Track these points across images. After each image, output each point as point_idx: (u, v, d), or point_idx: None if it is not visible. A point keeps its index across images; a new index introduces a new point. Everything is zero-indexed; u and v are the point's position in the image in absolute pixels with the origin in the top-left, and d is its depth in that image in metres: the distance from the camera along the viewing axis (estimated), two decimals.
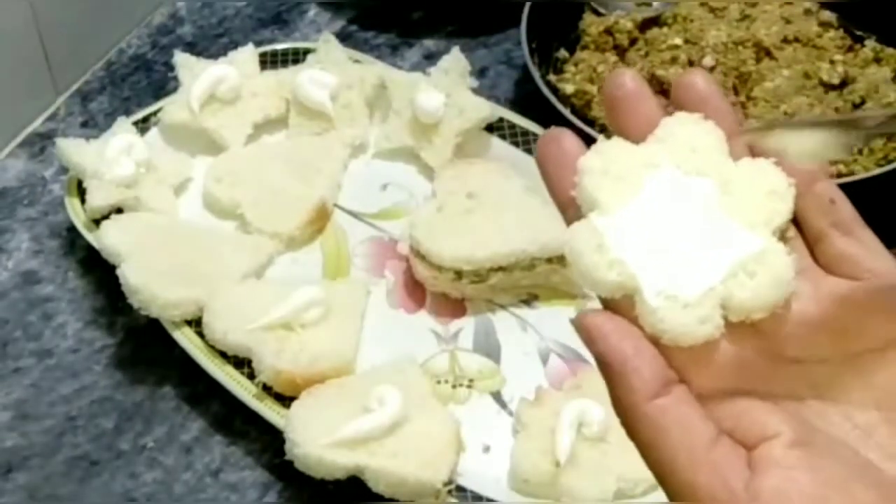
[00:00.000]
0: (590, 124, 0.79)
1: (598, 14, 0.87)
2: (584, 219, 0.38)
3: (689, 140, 0.38)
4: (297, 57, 0.85)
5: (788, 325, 0.36)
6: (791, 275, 0.36)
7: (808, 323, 0.36)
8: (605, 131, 0.78)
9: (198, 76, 0.80)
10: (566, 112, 0.79)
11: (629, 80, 0.39)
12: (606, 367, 0.35)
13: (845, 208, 0.38)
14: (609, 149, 0.39)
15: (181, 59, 0.82)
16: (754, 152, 0.39)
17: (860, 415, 0.36)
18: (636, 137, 0.39)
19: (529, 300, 0.74)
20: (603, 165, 0.38)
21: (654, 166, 0.38)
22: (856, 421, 0.36)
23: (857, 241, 0.38)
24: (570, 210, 0.39)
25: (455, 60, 0.81)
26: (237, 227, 0.77)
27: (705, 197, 0.38)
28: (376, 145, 0.82)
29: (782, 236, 0.37)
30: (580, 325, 0.36)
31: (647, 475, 0.36)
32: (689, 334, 0.35)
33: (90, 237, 0.74)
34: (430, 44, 0.93)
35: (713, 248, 0.37)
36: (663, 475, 0.35)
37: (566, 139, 0.39)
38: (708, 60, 0.79)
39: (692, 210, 0.37)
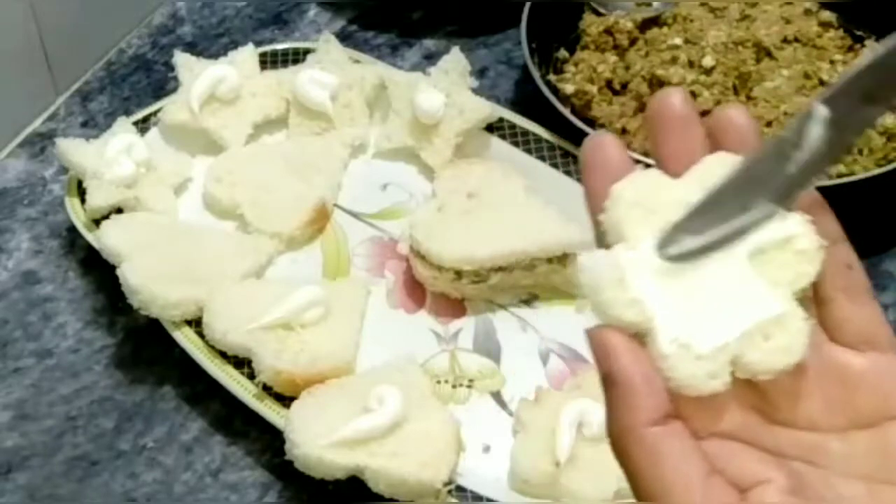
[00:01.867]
0: (590, 124, 0.79)
1: (598, 14, 0.87)
2: (608, 249, 0.37)
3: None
4: (297, 57, 0.85)
5: (785, 388, 0.36)
6: (805, 345, 0.36)
7: (802, 392, 0.37)
8: (603, 129, 0.79)
9: (198, 76, 0.80)
10: (566, 112, 0.79)
11: (679, 103, 0.39)
12: (612, 386, 0.35)
13: (860, 276, 0.38)
14: (645, 180, 0.38)
15: (181, 59, 0.82)
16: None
17: (844, 485, 0.36)
18: (675, 165, 0.38)
19: (529, 300, 0.74)
20: (636, 197, 0.37)
21: (689, 206, 0.37)
22: (839, 490, 0.35)
23: (865, 311, 0.38)
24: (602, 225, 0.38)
25: (455, 60, 0.81)
26: (237, 227, 0.77)
27: (734, 247, 0.37)
28: (376, 145, 0.82)
29: (802, 296, 0.37)
30: (595, 340, 0.36)
31: None
32: (696, 387, 0.35)
33: (90, 237, 0.74)
34: (430, 44, 0.93)
35: (733, 302, 0.36)
36: (654, 502, 0.35)
37: (613, 147, 0.39)
38: (708, 60, 0.79)
39: (719, 259, 0.37)
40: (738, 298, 0.36)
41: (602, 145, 0.39)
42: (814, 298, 0.37)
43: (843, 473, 0.36)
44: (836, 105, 0.36)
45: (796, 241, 0.37)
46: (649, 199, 0.37)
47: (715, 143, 0.39)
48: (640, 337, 0.36)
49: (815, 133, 0.36)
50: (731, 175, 0.36)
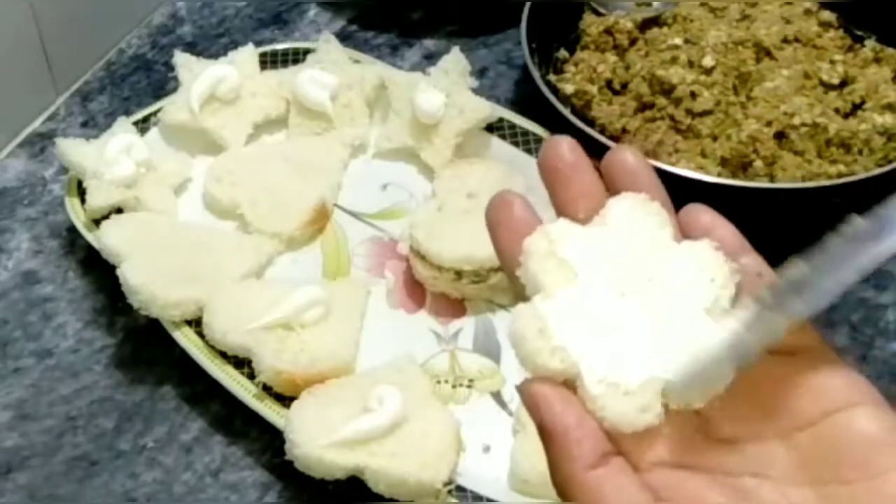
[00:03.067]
0: (590, 124, 0.79)
1: (598, 14, 0.87)
2: (528, 302, 0.38)
3: (634, 223, 0.38)
4: (297, 57, 0.85)
5: (722, 407, 0.37)
6: (731, 367, 0.36)
7: (740, 404, 0.37)
8: (605, 132, 0.79)
9: (198, 76, 0.80)
10: (566, 112, 0.79)
11: (567, 151, 0.40)
12: (548, 436, 0.36)
13: (772, 282, 0.38)
14: (555, 230, 0.38)
15: (181, 59, 0.82)
16: (692, 232, 0.39)
17: (794, 491, 0.36)
18: (575, 211, 0.39)
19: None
20: (548, 248, 0.38)
21: (598, 250, 0.38)
22: (790, 498, 0.36)
23: None
24: (517, 280, 0.39)
25: (455, 60, 0.81)
26: (237, 227, 0.77)
27: (649, 282, 0.38)
28: (376, 145, 0.82)
29: (721, 316, 0.37)
30: (525, 393, 0.37)
31: None
32: (630, 423, 0.36)
33: (90, 237, 0.74)
34: (430, 44, 0.93)
35: (656, 336, 0.37)
36: None
37: (517, 205, 0.40)
38: (708, 60, 0.79)
39: (636, 295, 0.37)
40: (661, 331, 0.37)
41: (506, 204, 0.40)
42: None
43: (792, 481, 0.36)
44: None
45: (707, 269, 0.38)
46: (561, 248, 0.38)
47: (611, 184, 0.40)
48: (569, 384, 0.36)
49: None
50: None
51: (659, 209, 0.39)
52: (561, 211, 0.40)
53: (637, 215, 0.39)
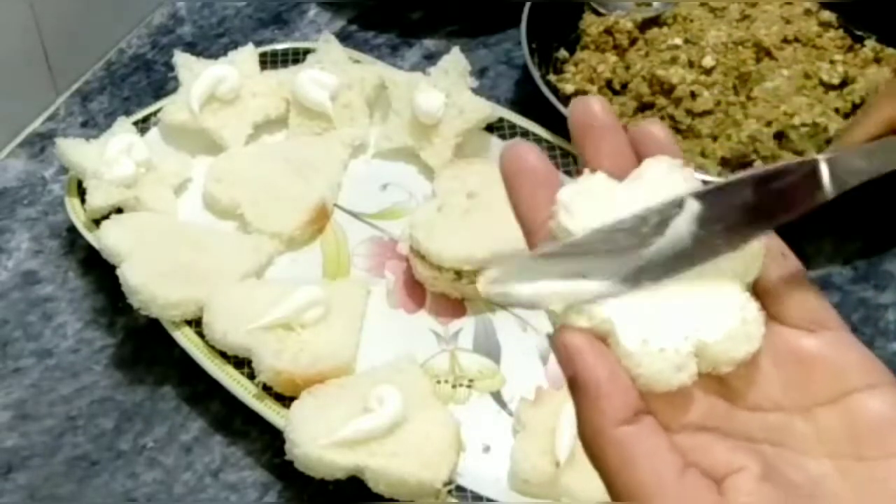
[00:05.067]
0: None
1: (598, 14, 0.87)
2: None
3: (670, 183, 0.38)
4: (297, 57, 0.85)
5: (746, 375, 0.37)
6: (761, 332, 0.36)
7: (763, 375, 0.37)
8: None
9: (198, 76, 0.80)
10: (566, 112, 0.78)
11: (600, 111, 0.39)
12: (579, 389, 0.35)
13: (795, 263, 0.39)
14: (591, 184, 0.38)
15: (181, 59, 0.82)
16: None
17: (812, 463, 0.36)
18: (610, 168, 0.39)
19: None
20: (582, 202, 0.37)
21: (636, 206, 0.37)
22: (808, 469, 0.36)
23: (807, 295, 0.38)
24: (539, 235, 0.38)
25: (455, 60, 0.81)
26: (237, 227, 0.77)
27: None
28: (376, 145, 0.82)
29: (751, 290, 0.38)
30: (558, 343, 0.36)
31: None
32: (665, 381, 0.35)
33: (90, 237, 0.74)
34: (430, 44, 0.93)
35: (690, 298, 0.37)
36: (629, 502, 0.35)
37: (531, 155, 0.39)
38: (708, 60, 0.79)
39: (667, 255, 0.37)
40: (694, 294, 0.37)
41: (522, 154, 0.39)
42: (757, 290, 0.38)
43: (811, 452, 0.36)
44: (710, 204, 0.36)
45: None
46: (597, 202, 0.37)
47: (638, 153, 0.39)
48: (603, 338, 0.36)
49: (681, 226, 0.36)
50: (590, 234, 0.36)
51: (692, 175, 0.38)
52: (590, 166, 0.39)
53: (673, 177, 0.38)
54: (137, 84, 0.90)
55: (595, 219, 0.37)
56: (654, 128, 0.40)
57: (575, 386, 0.35)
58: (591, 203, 0.37)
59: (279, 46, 0.86)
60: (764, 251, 0.38)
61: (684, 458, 0.35)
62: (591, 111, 0.40)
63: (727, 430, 0.36)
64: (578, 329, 0.36)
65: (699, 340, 0.36)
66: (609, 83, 0.83)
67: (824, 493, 0.35)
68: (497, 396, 0.70)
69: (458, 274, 0.72)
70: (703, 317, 0.36)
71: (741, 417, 0.37)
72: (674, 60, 0.80)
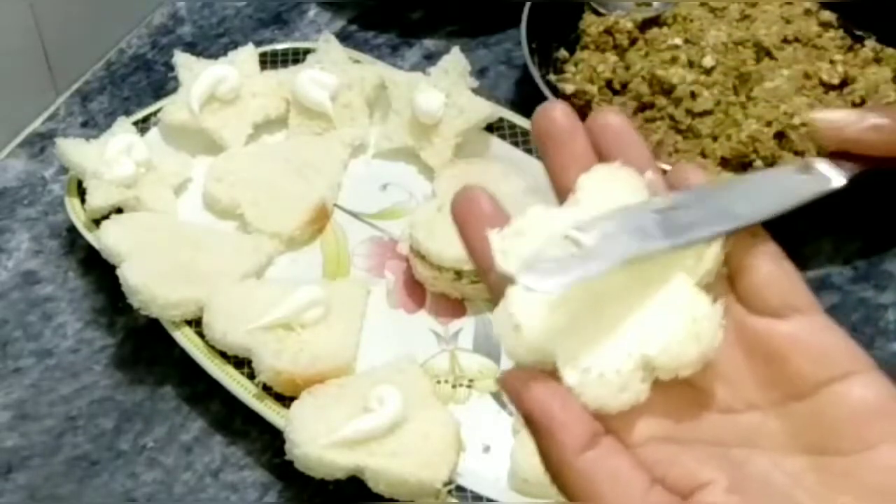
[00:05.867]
0: None
1: (598, 14, 0.87)
2: (504, 298, 0.37)
3: (606, 198, 0.38)
4: (297, 57, 0.85)
5: (716, 376, 0.36)
6: (716, 330, 0.36)
7: (735, 372, 0.36)
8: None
9: (198, 76, 0.80)
10: None
11: (561, 116, 0.39)
12: (534, 425, 0.35)
13: (767, 240, 0.38)
14: (525, 222, 0.38)
15: (181, 59, 0.82)
16: (681, 178, 0.39)
17: (788, 461, 0.35)
18: (568, 178, 0.39)
19: None
20: (519, 242, 0.37)
21: (574, 234, 0.37)
22: (784, 467, 0.35)
23: (780, 272, 0.37)
24: (491, 276, 0.38)
25: (455, 60, 0.81)
26: (237, 227, 0.77)
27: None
28: (376, 145, 0.82)
29: (707, 282, 0.37)
30: (505, 384, 0.36)
31: None
32: (611, 405, 0.35)
33: (90, 237, 0.74)
34: (430, 44, 0.93)
35: (635, 305, 0.36)
36: None
37: (482, 199, 0.39)
38: (708, 60, 0.79)
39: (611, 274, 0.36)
40: (641, 298, 0.36)
41: (473, 200, 0.39)
42: (728, 274, 0.37)
43: (786, 450, 0.36)
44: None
45: None
46: (533, 237, 0.37)
47: (597, 149, 0.39)
48: (550, 372, 0.36)
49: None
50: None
51: (631, 177, 0.38)
52: (555, 179, 0.39)
53: (608, 188, 0.38)
54: (137, 84, 0.90)
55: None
56: (609, 117, 0.40)
57: (531, 423, 0.35)
58: (528, 241, 0.37)
59: (279, 46, 0.86)
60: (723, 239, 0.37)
61: (650, 474, 0.34)
62: (551, 117, 0.39)
63: (696, 437, 0.36)
64: (523, 369, 0.36)
65: (642, 355, 0.35)
66: (609, 83, 0.82)
67: (799, 492, 0.34)
68: (497, 396, 0.70)
69: (458, 274, 0.72)
70: (648, 325, 0.36)
71: (711, 422, 0.36)
72: (674, 60, 0.80)
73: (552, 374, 0.36)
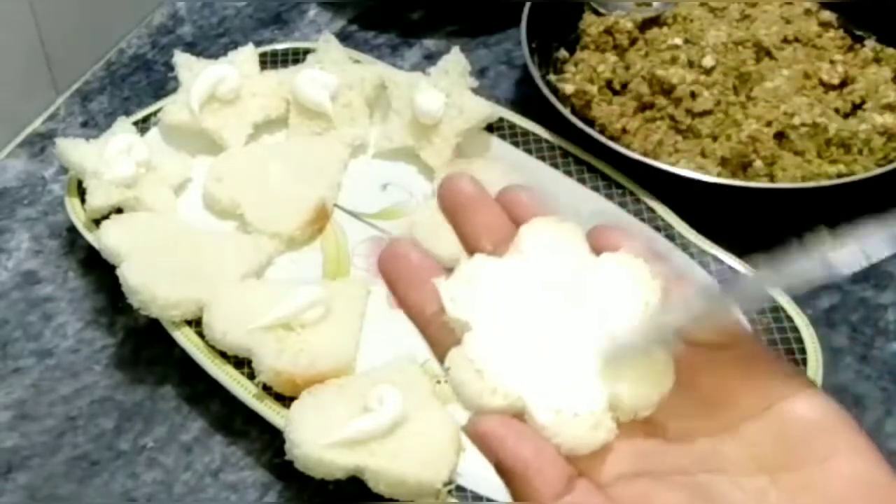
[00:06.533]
0: (590, 124, 0.79)
1: (598, 14, 0.87)
2: (459, 346, 0.37)
3: (549, 247, 0.38)
4: (297, 57, 0.85)
5: (665, 408, 0.37)
6: (671, 370, 0.36)
7: (684, 402, 0.37)
8: (605, 132, 0.79)
9: (198, 76, 0.80)
10: (566, 112, 0.79)
11: (467, 185, 0.40)
12: (508, 473, 0.35)
13: (694, 284, 0.39)
14: (470, 269, 0.38)
15: (181, 59, 0.82)
16: (604, 243, 0.39)
17: (748, 481, 0.36)
18: (482, 243, 0.39)
19: None
20: (468, 288, 0.37)
21: (519, 280, 0.37)
22: (746, 488, 0.36)
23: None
24: (432, 328, 0.38)
25: (455, 60, 0.81)
26: (237, 227, 0.77)
27: (575, 302, 0.37)
28: (376, 145, 0.82)
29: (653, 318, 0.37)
30: (474, 434, 0.36)
31: None
32: (586, 444, 0.35)
33: (90, 237, 0.74)
34: (430, 44, 0.93)
35: (595, 351, 0.37)
36: None
37: (413, 255, 0.39)
38: (708, 60, 0.79)
39: (565, 319, 0.37)
40: (598, 346, 0.37)
41: (402, 257, 0.39)
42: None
43: (745, 471, 0.36)
44: None
45: (631, 276, 0.38)
46: (481, 285, 0.37)
47: (514, 219, 0.40)
48: (518, 416, 0.36)
49: None
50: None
51: (571, 229, 0.39)
52: (468, 246, 0.39)
53: (550, 239, 0.38)
54: (137, 84, 0.90)
55: (486, 301, 0.37)
56: (520, 194, 0.40)
57: (503, 471, 0.35)
58: (476, 286, 0.37)
59: (279, 46, 0.86)
60: (660, 282, 0.38)
61: None
62: (458, 188, 0.40)
63: (662, 468, 0.36)
64: (490, 415, 0.36)
65: (611, 394, 0.36)
66: (609, 83, 0.82)
67: None
68: None
69: None
70: (610, 370, 0.36)
71: (672, 452, 0.37)
72: (674, 60, 0.80)
73: (517, 416, 0.36)
